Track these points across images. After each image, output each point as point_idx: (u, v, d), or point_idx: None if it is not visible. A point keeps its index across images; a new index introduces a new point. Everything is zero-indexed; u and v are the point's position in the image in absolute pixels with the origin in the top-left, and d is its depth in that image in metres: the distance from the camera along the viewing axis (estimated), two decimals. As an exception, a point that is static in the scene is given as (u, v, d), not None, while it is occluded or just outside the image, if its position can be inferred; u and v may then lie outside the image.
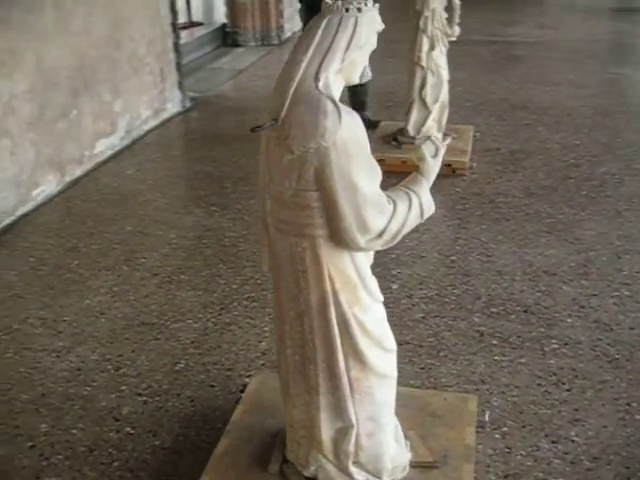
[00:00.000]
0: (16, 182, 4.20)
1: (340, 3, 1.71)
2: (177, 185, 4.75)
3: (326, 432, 2.04)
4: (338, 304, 1.87)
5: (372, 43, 1.77)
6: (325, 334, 1.90)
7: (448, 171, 4.57)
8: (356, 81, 1.82)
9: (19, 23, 4.09)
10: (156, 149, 5.41)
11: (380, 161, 5.25)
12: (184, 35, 7.18)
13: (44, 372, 2.92)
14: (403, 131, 4.81)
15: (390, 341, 2.05)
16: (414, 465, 2.22)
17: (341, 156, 1.67)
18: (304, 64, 1.70)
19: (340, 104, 1.69)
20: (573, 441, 2.48)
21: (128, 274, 3.64)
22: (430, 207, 1.88)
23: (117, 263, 3.74)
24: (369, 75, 5.40)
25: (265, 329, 3.15)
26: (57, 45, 4.43)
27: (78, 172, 4.77)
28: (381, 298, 2.01)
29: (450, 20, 4.56)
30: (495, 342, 3.02)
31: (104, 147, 5.06)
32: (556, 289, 3.38)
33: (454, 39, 4.66)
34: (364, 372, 1.99)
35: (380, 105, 5.95)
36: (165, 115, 5.89)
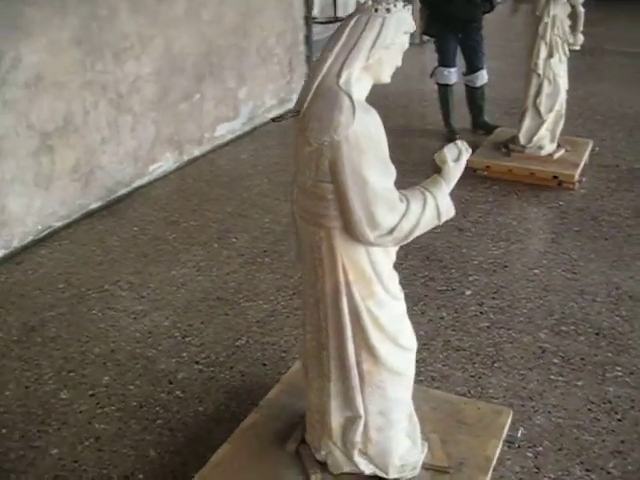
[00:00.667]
0: (135, 156, 4.54)
1: (370, 3, 1.75)
2: (284, 173, 4.89)
3: (336, 419, 2.10)
4: (351, 295, 1.92)
5: (401, 43, 1.79)
6: (337, 323, 1.96)
7: (554, 183, 4.43)
8: (386, 80, 1.85)
9: (151, 10, 4.41)
10: (275, 137, 5.61)
11: (487, 168, 5.15)
12: (325, 29, 7.35)
13: (119, 331, 3.17)
14: (515, 139, 4.69)
15: (408, 339, 2.06)
16: (427, 467, 2.22)
17: (353, 150, 1.72)
18: (330, 60, 1.76)
19: (359, 101, 1.74)
20: (609, 472, 2.37)
21: (217, 251, 3.85)
22: (449, 211, 1.88)
23: (209, 240, 3.96)
24: (485, 78, 5.29)
25: (328, 318, 3.23)
26: (186, 32, 4.72)
27: (196, 152, 5.07)
28: (400, 296, 2.02)
29: (574, 28, 4.40)
30: (556, 361, 2.92)
31: (225, 131, 5.33)
32: (637, 315, 3.20)
33: (577, 48, 4.48)
34: (376, 366, 2.01)
35: (504, 111, 5.84)
36: (290, 105, 6.08)
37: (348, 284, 1.91)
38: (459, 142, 1.88)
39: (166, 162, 4.82)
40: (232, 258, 3.78)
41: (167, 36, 4.57)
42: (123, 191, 4.49)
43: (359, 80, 1.79)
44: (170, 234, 4.03)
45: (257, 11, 5.40)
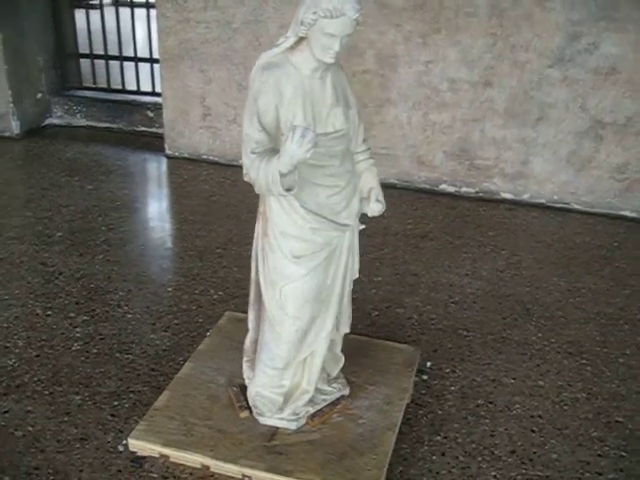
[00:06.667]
0: None
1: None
2: None
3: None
4: (258, 224, 2.26)
5: (319, 26, 1.86)
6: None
7: None
8: (321, 58, 1.93)
9: None
10: None
11: None
12: None
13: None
14: None
15: (285, 300, 2.20)
16: (273, 429, 2.36)
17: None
18: (290, 30, 2.06)
19: (271, 60, 2.00)
20: None
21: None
22: (274, 183, 1.95)
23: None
24: None
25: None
26: None
27: None
28: (296, 262, 2.15)
29: None
30: None
31: None
32: None
33: None
34: (265, 302, 2.29)
35: None
36: None
37: (258, 214, 2.26)
38: (298, 128, 1.85)
39: None
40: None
41: None
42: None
43: (301, 50, 2.02)
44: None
45: None
